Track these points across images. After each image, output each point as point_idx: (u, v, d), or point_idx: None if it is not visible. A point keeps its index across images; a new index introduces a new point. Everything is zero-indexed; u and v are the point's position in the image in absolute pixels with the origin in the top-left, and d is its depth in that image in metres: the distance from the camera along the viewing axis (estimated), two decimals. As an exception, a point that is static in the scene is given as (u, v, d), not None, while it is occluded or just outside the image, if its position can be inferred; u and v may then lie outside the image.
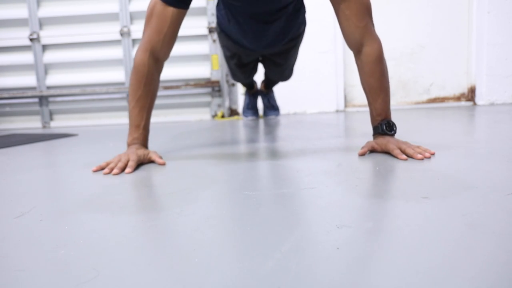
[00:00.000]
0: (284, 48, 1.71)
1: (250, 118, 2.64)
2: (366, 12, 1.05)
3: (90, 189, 0.84)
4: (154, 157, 1.07)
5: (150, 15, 1.06)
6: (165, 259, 0.46)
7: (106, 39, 2.86)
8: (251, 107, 2.61)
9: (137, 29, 2.81)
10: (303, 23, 1.64)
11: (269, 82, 2.37)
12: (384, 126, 1.06)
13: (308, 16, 1.31)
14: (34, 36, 2.85)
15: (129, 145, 1.10)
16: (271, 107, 2.60)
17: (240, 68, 1.95)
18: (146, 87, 1.09)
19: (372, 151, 1.06)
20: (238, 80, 2.27)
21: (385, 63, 1.08)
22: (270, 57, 1.84)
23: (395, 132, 1.07)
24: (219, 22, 1.65)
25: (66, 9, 2.86)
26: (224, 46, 1.79)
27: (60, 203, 0.74)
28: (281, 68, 1.97)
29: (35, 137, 2.04)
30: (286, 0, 1.34)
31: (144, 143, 1.12)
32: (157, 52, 1.08)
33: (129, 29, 2.83)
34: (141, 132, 1.10)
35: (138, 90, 1.08)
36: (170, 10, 1.03)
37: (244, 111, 2.65)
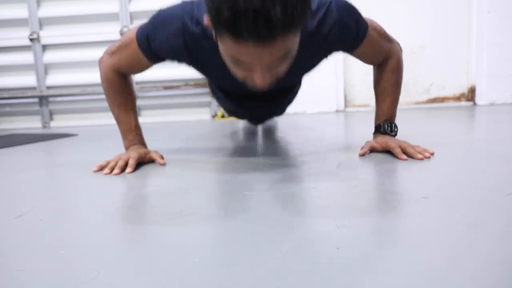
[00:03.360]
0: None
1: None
2: (381, 38, 1.03)
3: (90, 189, 0.84)
4: (155, 156, 1.07)
5: (124, 46, 1.01)
6: (165, 259, 0.46)
7: (106, 39, 2.86)
8: None
9: (137, 29, 2.81)
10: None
11: None
12: (386, 126, 1.07)
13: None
14: (34, 36, 2.85)
15: (127, 148, 1.09)
16: None
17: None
18: (123, 94, 1.07)
19: (372, 150, 1.06)
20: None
21: (402, 73, 1.09)
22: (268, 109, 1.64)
23: (395, 134, 1.07)
24: (212, 91, 1.46)
25: (66, 9, 2.86)
26: (221, 105, 1.60)
27: (60, 203, 0.74)
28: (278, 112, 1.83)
29: (35, 137, 2.04)
30: (295, 80, 1.23)
31: (142, 142, 1.11)
32: (124, 73, 1.06)
33: (129, 29, 2.82)
34: (134, 133, 1.09)
35: (116, 99, 1.07)
36: (142, 55, 0.98)
37: None
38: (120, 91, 1.07)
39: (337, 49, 1.00)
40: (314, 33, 0.89)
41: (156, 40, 0.93)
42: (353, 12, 0.94)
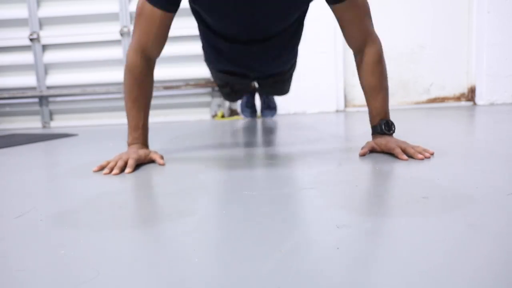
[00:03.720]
0: (281, 72, 1.59)
1: (248, 118, 2.64)
2: (367, 15, 1.06)
3: (90, 189, 0.84)
4: (155, 156, 1.07)
5: (138, 16, 1.04)
6: (165, 259, 0.46)
7: (106, 39, 2.86)
8: (249, 106, 2.61)
9: (137, 29, 2.81)
10: (296, 50, 1.47)
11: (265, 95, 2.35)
12: (383, 126, 1.06)
13: (308, 16, 1.28)
14: (34, 36, 2.85)
15: (129, 145, 1.09)
16: (268, 107, 2.59)
17: (233, 94, 1.90)
18: (141, 87, 1.08)
19: (372, 151, 1.06)
20: (231, 101, 2.21)
21: (385, 64, 1.09)
22: (265, 82, 1.74)
23: (393, 132, 1.07)
24: (206, 59, 1.50)
25: (66, 9, 2.86)
26: (215, 76, 1.68)
27: (60, 203, 0.74)
28: (278, 89, 1.90)
29: (35, 137, 2.04)
30: (284, 23, 1.20)
31: (145, 143, 1.11)
32: (148, 52, 1.07)
33: (129, 29, 2.83)
34: (140, 132, 1.10)
35: (133, 91, 1.08)
36: (158, 12, 1.00)
37: (242, 110, 2.66)
38: (140, 82, 1.08)
39: None
40: None
41: None
42: None
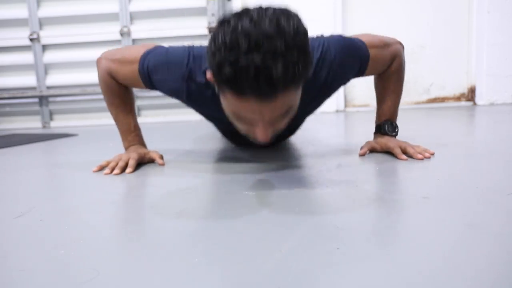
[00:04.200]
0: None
1: None
2: (382, 52, 1.01)
3: (90, 189, 0.84)
4: (154, 156, 1.07)
5: (126, 62, 0.99)
6: (165, 259, 0.46)
7: (106, 39, 2.86)
8: None
9: (137, 29, 2.81)
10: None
11: None
12: (386, 126, 1.06)
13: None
14: (34, 36, 2.85)
15: (126, 148, 1.09)
16: None
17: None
18: (121, 95, 1.07)
19: (372, 150, 1.06)
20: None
21: (403, 71, 1.08)
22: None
23: (396, 134, 1.07)
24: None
25: (66, 9, 2.86)
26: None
27: (60, 203, 0.74)
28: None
29: (35, 137, 2.04)
30: (297, 125, 1.16)
31: (142, 142, 1.11)
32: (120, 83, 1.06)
33: (129, 29, 2.82)
34: (134, 133, 1.09)
35: (114, 100, 1.06)
36: (141, 82, 0.98)
37: None
38: (118, 93, 1.06)
39: (341, 85, 1.00)
40: (312, 79, 0.86)
41: (158, 77, 0.93)
42: (350, 47, 0.93)
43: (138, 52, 0.97)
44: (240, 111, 0.70)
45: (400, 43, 1.08)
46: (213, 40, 0.65)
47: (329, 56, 0.89)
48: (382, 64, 1.03)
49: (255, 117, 0.70)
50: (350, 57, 0.93)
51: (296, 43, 0.63)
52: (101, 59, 1.05)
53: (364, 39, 0.96)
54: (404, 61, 1.08)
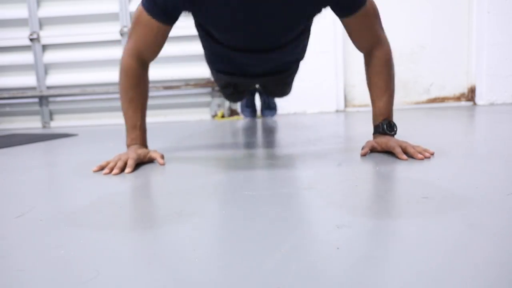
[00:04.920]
0: (285, 75, 1.56)
1: (248, 118, 2.64)
2: (376, 21, 1.04)
3: (90, 189, 0.84)
4: (155, 155, 1.07)
5: (136, 22, 1.04)
6: (165, 259, 0.46)
7: (106, 39, 2.86)
8: (249, 105, 2.62)
9: (137, 29, 2.81)
10: (302, 54, 1.46)
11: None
12: (385, 126, 1.06)
13: (312, 24, 1.25)
14: (34, 36, 2.85)
15: (128, 146, 1.09)
16: (268, 106, 2.60)
17: (235, 95, 1.87)
18: (137, 88, 1.08)
19: (373, 150, 1.06)
20: (233, 102, 2.20)
21: (393, 66, 1.09)
22: (267, 83, 1.73)
23: (395, 133, 1.07)
24: (208, 60, 1.46)
25: (66, 9, 2.87)
26: (216, 77, 1.63)
27: (60, 203, 0.74)
28: (279, 91, 1.88)
29: (35, 137, 2.04)
30: (290, 35, 1.17)
31: (143, 143, 1.11)
32: (143, 56, 1.07)
33: (129, 29, 2.83)
34: (138, 132, 1.09)
35: (129, 92, 1.08)
36: (155, 23, 0.99)
37: (242, 109, 2.66)
38: (135, 84, 1.07)
39: (329, 4, 1.01)
40: None
41: None
42: None
43: (137, 8, 1.03)
44: None
45: (389, 45, 1.10)
46: None
47: None
48: (368, 30, 1.04)
49: None
50: None
51: None
52: (123, 51, 1.09)
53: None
54: (392, 58, 1.09)
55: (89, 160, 1.17)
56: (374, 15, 1.03)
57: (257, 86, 2.37)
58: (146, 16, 1.00)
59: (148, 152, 1.08)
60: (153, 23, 1.00)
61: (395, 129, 1.07)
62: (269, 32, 1.12)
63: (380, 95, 1.08)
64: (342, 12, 1.01)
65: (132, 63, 1.06)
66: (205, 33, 1.19)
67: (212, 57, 1.37)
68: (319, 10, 1.06)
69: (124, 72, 1.07)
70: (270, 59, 1.30)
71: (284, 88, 1.84)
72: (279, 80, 1.59)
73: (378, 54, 1.06)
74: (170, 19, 1.02)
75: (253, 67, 1.36)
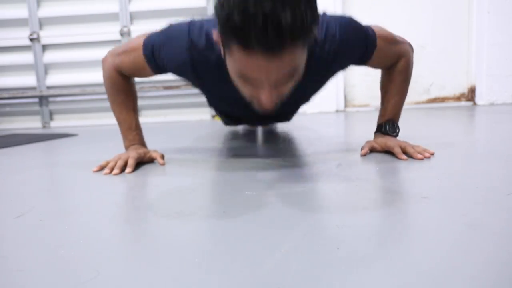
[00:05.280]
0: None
1: None
2: (390, 46, 1.01)
3: (90, 189, 0.84)
4: (155, 155, 1.07)
5: (129, 51, 1.00)
6: (165, 259, 0.46)
7: (106, 39, 2.86)
8: None
9: (137, 29, 2.81)
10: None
11: None
12: (387, 126, 1.07)
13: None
14: (34, 36, 2.85)
15: (126, 148, 1.09)
16: None
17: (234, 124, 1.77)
18: (125, 92, 1.07)
19: (372, 150, 1.06)
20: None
21: (411, 72, 1.07)
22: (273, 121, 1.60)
23: (397, 135, 1.07)
24: (208, 102, 1.33)
25: (66, 9, 2.86)
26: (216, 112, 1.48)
27: (60, 203, 0.74)
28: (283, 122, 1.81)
29: (35, 137, 2.04)
30: (301, 104, 1.19)
31: (142, 142, 1.11)
32: (127, 75, 1.06)
33: (129, 29, 2.83)
34: (135, 132, 1.09)
35: (118, 97, 1.07)
36: (147, 66, 0.98)
37: None
38: (122, 90, 1.07)
39: (345, 66, 1.00)
40: (317, 54, 0.88)
41: (162, 54, 0.93)
42: (355, 27, 0.93)
43: (140, 39, 0.98)
44: (246, 70, 0.71)
45: (410, 45, 1.08)
46: None
47: (332, 30, 0.89)
48: (388, 59, 1.03)
49: (261, 76, 0.71)
50: (356, 38, 0.92)
51: None
52: (107, 57, 1.06)
53: (374, 28, 0.97)
54: (412, 63, 1.07)
55: (89, 160, 1.17)
56: (387, 43, 1.00)
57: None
58: (141, 56, 0.97)
59: (148, 152, 1.08)
60: (145, 65, 0.98)
61: (397, 130, 1.08)
62: (282, 112, 1.11)
63: (390, 97, 1.08)
64: (360, 64, 1.01)
65: (117, 76, 1.05)
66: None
67: (212, 101, 1.28)
68: (333, 75, 1.05)
69: (109, 81, 1.06)
70: (277, 116, 1.29)
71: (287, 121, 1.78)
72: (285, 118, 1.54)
73: (399, 64, 1.05)
74: (160, 71, 1.00)
75: (261, 121, 1.35)
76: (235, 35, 0.65)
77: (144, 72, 1.01)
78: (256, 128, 1.91)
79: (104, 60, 1.07)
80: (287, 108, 1.08)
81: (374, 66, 1.05)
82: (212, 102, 1.27)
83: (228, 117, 1.41)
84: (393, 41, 1.02)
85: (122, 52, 1.03)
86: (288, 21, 0.62)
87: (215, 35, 0.75)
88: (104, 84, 1.08)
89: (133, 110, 1.10)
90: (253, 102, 0.80)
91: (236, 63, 0.71)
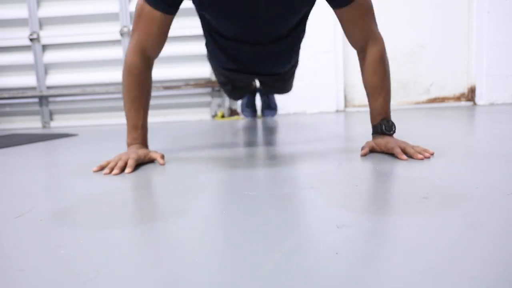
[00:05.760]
0: (284, 71, 1.57)
1: (248, 118, 2.65)
2: (369, 15, 1.05)
3: (90, 189, 0.84)
4: (155, 155, 1.07)
5: (138, 17, 1.04)
6: (165, 259, 0.46)
7: (106, 39, 2.86)
8: (250, 105, 2.62)
9: (137, 29, 2.81)
10: (298, 50, 1.46)
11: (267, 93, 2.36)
12: (383, 126, 1.06)
13: (308, 16, 1.28)
14: (34, 36, 2.85)
15: (129, 145, 1.09)
16: (268, 106, 2.60)
17: (235, 91, 1.90)
18: (141, 87, 1.08)
19: (372, 151, 1.06)
20: (234, 99, 2.23)
21: (388, 63, 1.09)
22: (267, 80, 1.73)
23: (394, 132, 1.07)
24: (209, 55, 1.49)
25: (66, 9, 2.86)
26: (217, 73, 1.66)
27: (60, 203, 0.74)
28: (280, 87, 1.90)
29: (35, 137, 2.04)
30: (287, 27, 1.21)
31: (144, 143, 1.11)
32: (147, 52, 1.07)
33: (129, 29, 2.83)
34: (139, 132, 1.10)
35: (133, 91, 1.08)
36: (157, 14, 1.00)
37: (242, 109, 2.66)
38: (139, 82, 1.08)
39: None
40: None
41: None
42: None
43: (138, 2, 1.03)
44: None
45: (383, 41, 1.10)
46: None
47: None
48: (361, 23, 1.05)
49: None
50: None
51: None
52: (127, 50, 1.09)
53: None
54: (387, 56, 1.09)
55: (89, 160, 1.17)
56: (367, 8, 1.04)
57: (258, 85, 2.37)
58: (147, 8, 1.00)
59: (148, 152, 1.08)
60: (155, 14, 1.00)
61: (393, 128, 1.07)
62: (266, 23, 1.14)
63: (377, 95, 1.08)
64: (335, 3, 1.03)
65: (137, 60, 1.06)
66: (207, 23, 1.21)
67: (213, 50, 1.37)
68: (313, 2, 1.10)
69: (128, 70, 1.07)
70: (267, 53, 1.32)
71: (283, 86, 1.85)
72: (278, 78, 1.61)
73: (371, 51, 1.06)
74: (172, 8, 1.03)
75: (252, 61, 1.37)
76: None
77: (160, 24, 1.03)
78: (256, 90, 1.99)
79: (126, 55, 1.09)
80: (276, 25, 1.16)
81: (345, 22, 1.06)
82: (211, 44, 1.33)
83: (226, 69, 1.46)
84: (373, 15, 1.06)
85: (133, 27, 1.06)
86: None
87: None
88: (122, 78, 1.09)
89: (144, 109, 1.11)
90: None
91: None
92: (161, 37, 1.07)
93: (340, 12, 1.04)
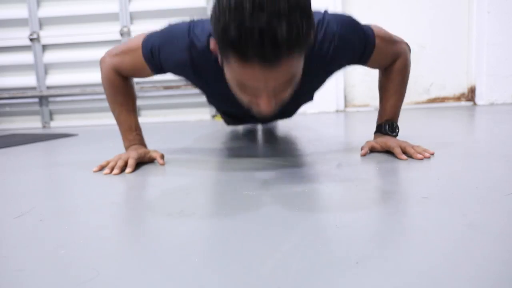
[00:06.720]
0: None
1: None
2: (388, 45, 1.01)
3: (90, 189, 0.84)
4: (155, 155, 1.07)
5: (128, 50, 1.01)
6: (165, 259, 0.46)
7: (106, 39, 2.86)
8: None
9: (137, 29, 2.81)
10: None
11: None
12: (387, 126, 1.07)
13: None
14: (34, 36, 2.85)
15: (127, 148, 1.09)
16: None
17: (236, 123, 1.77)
18: (123, 94, 1.07)
19: (372, 150, 1.06)
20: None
21: (408, 72, 1.07)
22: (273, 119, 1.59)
23: (396, 135, 1.07)
24: (207, 98, 1.26)
25: (66, 9, 2.86)
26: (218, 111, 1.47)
27: (60, 203, 0.74)
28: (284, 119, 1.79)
29: (35, 137, 2.04)
30: (301, 102, 1.19)
31: (142, 143, 1.11)
32: (125, 75, 1.06)
33: (129, 29, 2.82)
34: (135, 133, 1.09)
35: (117, 98, 1.07)
36: (145, 65, 0.98)
37: None
38: (121, 91, 1.07)
39: (343, 65, 0.99)
40: (316, 54, 0.88)
41: (162, 54, 0.93)
42: (355, 26, 0.92)
43: (138, 39, 0.98)
44: (244, 80, 0.70)
45: (407, 44, 1.08)
46: (217, 5, 0.65)
47: (332, 29, 0.88)
48: (386, 58, 1.03)
49: (259, 86, 0.70)
50: (355, 38, 0.92)
51: (299, 4, 0.63)
52: (105, 57, 1.06)
53: (373, 28, 0.96)
54: (410, 62, 1.07)
55: (89, 160, 1.17)
56: (385, 43, 0.99)
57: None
58: (140, 55, 0.97)
59: (148, 152, 1.08)
60: (143, 63, 0.98)
61: (396, 130, 1.08)
62: (283, 111, 1.11)
63: (388, 97, 1.08)
64: (358, 63, 1.00)
65: (115, 77, 1.05)
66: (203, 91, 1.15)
67: (212, 103, 1.29)
68: (332, 74, 1.04)
69: (107, 81, 1.06)
70: (277, 113, 1.27)
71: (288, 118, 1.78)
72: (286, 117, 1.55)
73: (396, 64, 1.05)
74: (157, 71, 1.00)
75: (258, 120, 1.35)
76: (232, 48, 0.65)
77: (143, 72, 1.01)
78: (257, 127, 1.91)
79: (102, 61, 1.06)
80: (288, 108, 1.08)
81: (373, 65, 1.05)
82: (212, 101, 1.27)
83: (229, 116, 1.41)
84: (391, 40, 1.02)
85: (120, 52, 1.02)
86: (284, 34, 0.61)
87: (212, 43, 0.74)
88: (102, 84, 1.08)
89: (133, 110, 1.10)
90: (252, 107, 0.79)
91: (233, 72, 0.71)
92: (141, 76, 1.06)
93: (367, 64, 1.02)
